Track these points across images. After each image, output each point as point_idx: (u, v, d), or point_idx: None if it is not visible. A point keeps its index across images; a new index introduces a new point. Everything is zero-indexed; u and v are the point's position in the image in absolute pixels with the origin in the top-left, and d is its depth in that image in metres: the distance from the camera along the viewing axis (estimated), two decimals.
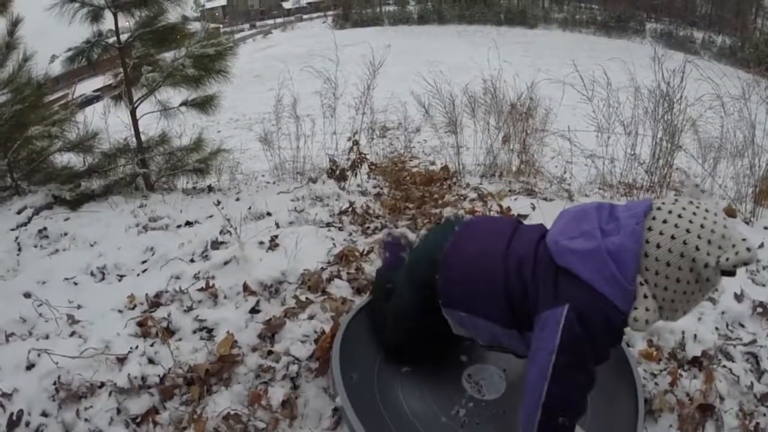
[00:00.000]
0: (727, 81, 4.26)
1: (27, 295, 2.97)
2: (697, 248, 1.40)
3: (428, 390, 1.85)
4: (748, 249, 1.38)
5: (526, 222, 2.37)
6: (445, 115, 5.67)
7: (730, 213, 3.67)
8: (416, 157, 7.66)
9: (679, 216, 1.44)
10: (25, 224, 3.95)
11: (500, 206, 3.78)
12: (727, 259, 1.38)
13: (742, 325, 2.49)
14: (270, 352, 2.15)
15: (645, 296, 1.45)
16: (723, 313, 2.54)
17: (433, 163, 6.59)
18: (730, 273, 1.42)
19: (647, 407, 1.91)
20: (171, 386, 2.03)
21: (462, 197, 4.41)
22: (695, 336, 2.35)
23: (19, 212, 4.14)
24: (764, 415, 2.00)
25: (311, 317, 2.33)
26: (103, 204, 4.32)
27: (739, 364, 2.22)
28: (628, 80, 4.74)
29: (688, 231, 1.41)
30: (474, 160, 5.70)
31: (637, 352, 2.26)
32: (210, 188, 5.30)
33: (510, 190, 4.79)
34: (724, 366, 2.19)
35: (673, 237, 1.42)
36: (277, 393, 1.94)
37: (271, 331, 2.25)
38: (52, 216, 4.08)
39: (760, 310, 2.52)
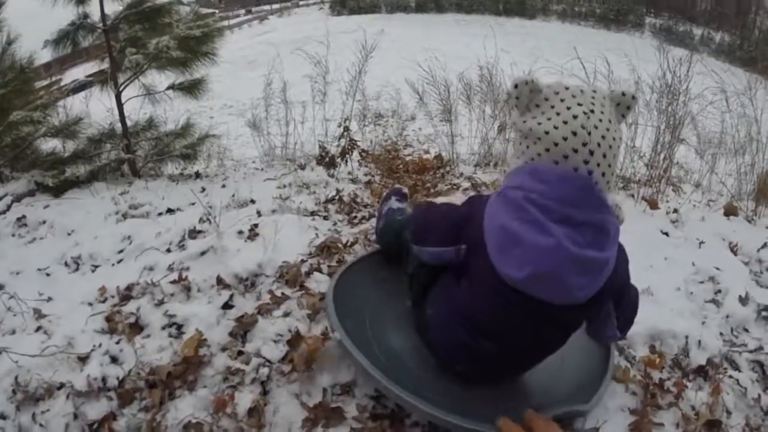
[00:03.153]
0: (731, 76, 4.14)
1: (0, 286, 2.86)
2: None
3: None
4: None
5: None
6: (439, 102, 5.50)
7: (731, 210, 3.55)
8: (410, 145, 7.53)
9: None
10: (4, 212, 3.82)
11: None
12: None
13: (746, 330, 2.37)
14: (240, 353, 1.99)
15: None
16: (727, 316, 2.42)
17: (427, 152, 6.44)
18: None
19: None
20: (132, 389, 1.88)
21: (455, 186, 4.26)
22: (699, 342, 2.21)
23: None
24: None
25: (286, 314, 2.17)
26: (85, 191, 4.18)
27: (746, 373, 2.11)
28: (629, 73, 4.59)
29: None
30: (468, 149, 5.55)
31: (639, 358, 2.13)
32: (197, 174, 5.16)
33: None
34: (731, 376, 2.07)
35: None
36: (245, 399, 1.78)
37: (243, 329, 2.10)
38: (33, 203, 3.94)
39: (765, 314, 2.41)
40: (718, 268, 2.75)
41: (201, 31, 4.25)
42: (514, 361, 1.67)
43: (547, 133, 1.39)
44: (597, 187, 1.38)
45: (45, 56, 4.71)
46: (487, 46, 5.57)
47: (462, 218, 1.61)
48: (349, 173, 4.81)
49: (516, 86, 1.45)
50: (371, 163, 5.34)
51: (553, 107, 1.42)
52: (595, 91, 1.48)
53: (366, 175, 4.90)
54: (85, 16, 4.26)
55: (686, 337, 2.22)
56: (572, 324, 1.60)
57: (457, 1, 33.41)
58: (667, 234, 3.18)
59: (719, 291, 2.59)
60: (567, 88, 1.46)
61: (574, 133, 1.37)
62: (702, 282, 2.67)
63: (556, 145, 1.38)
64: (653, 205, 3.56)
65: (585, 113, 1.38)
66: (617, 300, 1.65)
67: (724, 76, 4.20)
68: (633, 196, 3.76)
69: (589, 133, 1.36)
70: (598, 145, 1.37)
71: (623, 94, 1.52)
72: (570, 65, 4.42)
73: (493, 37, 5.87)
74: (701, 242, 3.07)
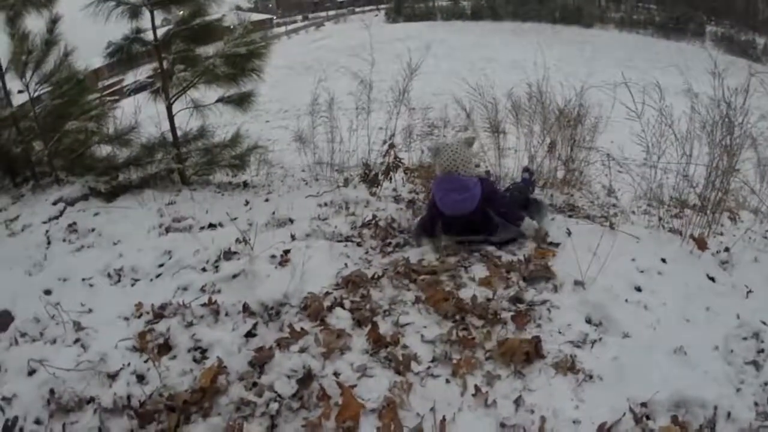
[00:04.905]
0: None
1: (47, 292, 3.06)
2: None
3: None
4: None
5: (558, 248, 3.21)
6: (486, 120, 5.42)
7: None
8: None
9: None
10: (57, 217, 4.06)
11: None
12: None
13: None
14: (255, 384, 2.05)
15: None
16: (766, 384, 2.17)
17: (477, 165, 6.37)
18: None
19: None
20: (152, 410, 1.97)
21: None
22: (729, 414, 1.99)
23: (54, 203, 4.26)
24: None
25: (303, 350, 2.21)
26: (135, 199, 4.37)
27: None
28: (685, 90, 4.36)
29: None
30: (516, 165, 5.44)
31: (658, 428, 1.95)
32: (245, 184, 5.30)
33: (551, 204, 4.54)
34: None
35: None
36: (254, 430, 1.84)
37: (261, 361, 2.16)
38: (84, 209, 4.17)
39: None
40: (765, 323, 2.50)
41: (247, 49, 4.36)
42: (470, 232, 3.32)
43: (442, 163, 3.32)
44: (459, 175, 3.27)
45: (94, 62, 5.00)
46: (541, 56, 5.43)
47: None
48: (394, 190, 4.82)
49: (430, 149, 3.62)
50: (417, 178, 5.33)
51: (442, 153, 3.33)
52: (457, 142, 3.41)
53: (410, 192, 4.87)
54: (138, 30, 4.48)
55: (715, 407, 2.01)
56: (474, 221, 3.30)
57: (512, 10, 32.91)
58: (713, 279, 2.92)
59: (762, 350, 2.35)
60: (446, 144, 3.39)
61: (449, 162, 3.29)
62: (745, 338, 2.41)
63: (444, 166, 3.31)
64: (701, 245, 3.25)
65: (451, 153, 3.30)
66: (490, 204, 3.31)
67: None
68: (681, 233, 3.48)
69: (454, 161, 3.28)
70: (457, 164, 3.28)
71: (467, 139, 3.53)
72: (622, 89, 4.25)
73: (546, 48, 5.69)
74: (749, 291, 2.79)
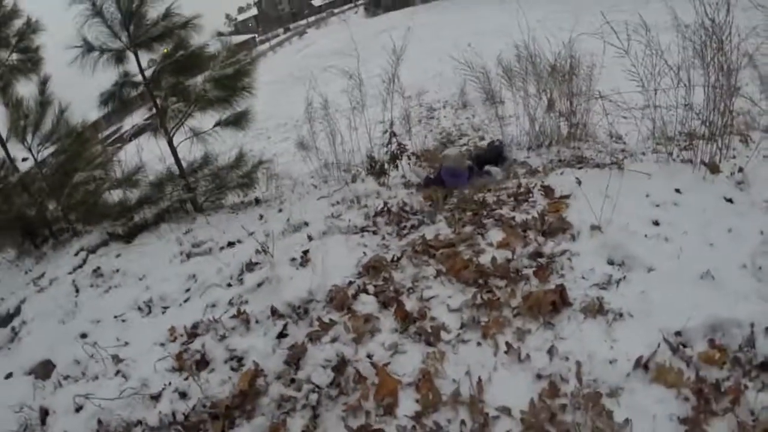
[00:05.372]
0: None
1: (83, 335, 3.16)
2: None
3: None
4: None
5: (570, 199, 3.17)
6: (480, 90, 5.41)
7: None
8: (465, 134, 7.42)
9: None
10: (81, 265, 4.18)
11: (543, 187, 3.50)
12: None
13: None
14: (293, 381, 2.10)
15: None
16: None
17: (482, 138, 6.35)
18: None
19: None
20: (197, 422, 2.04)
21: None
22: (767, 329, 1.93)
23: (76, 254, 4.38)
24: None
25: (334, 340, 2.25)
26: (152, 234, 4.47)
27: None
28: (675, 25, 4.27)
29: None
30: (520, 129, 5.41)
31: (696, 355, 1.92)
32: (257, 201, 5.36)
33: (559, 161, 4.51)
34: None
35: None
36: (296, 424, 1.89)
37: (295, 358, 2.20)
38: (106, 253, 4.28)
39: None
40: None
41: (234, 69, 4.42)
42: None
43: (447, 163, 4.48)
44: (456, 168, 4.43)
45: (101, 113, 5.12)
46: (524, 20, 5.37)
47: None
48: (402, 177, 4.84)
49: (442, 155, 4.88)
50: (424, 162, 5.33)
51: (447, 158, 4.53)
52: (455, 151, 4.79)
53: (419, 176, 4.89)
54: (126, 74, 4.56)
55: (752, 324, 1.95)
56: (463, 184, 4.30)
57: None
58: (731, 201, 2.86)
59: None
60: (449, 153, 4.65)
61: (452, 162, 4.47)
62: None
63: (449, 164, 4.48)
64: (714, 169, 3.22)
65: (452, 158, 4.50)
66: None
67: None
68: (691, 161, 3.44)
69: (454, 161, 4.47)
70: (456, 163, 4.45)
71: (460, 150, 5.35)
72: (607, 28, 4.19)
73: (529, 9, 5.62)
74: None
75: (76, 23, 4.35)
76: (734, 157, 3.53)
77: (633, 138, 4.48)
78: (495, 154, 5.10)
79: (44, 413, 2.48)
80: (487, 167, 4.66)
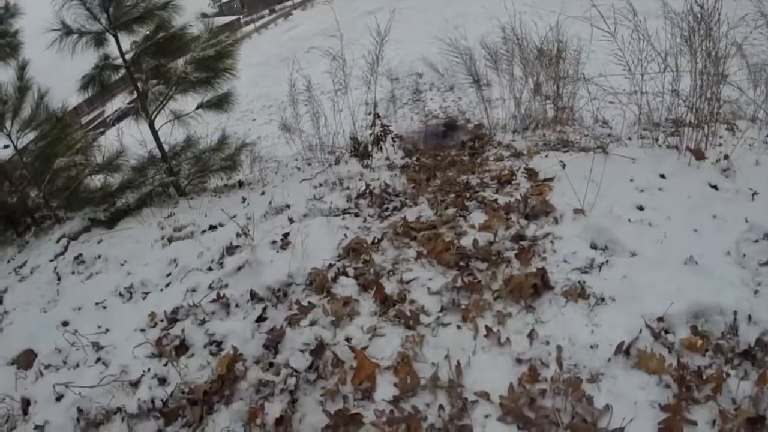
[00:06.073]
0: None
1: (65, 323, 3.11)
2: None
3: None
4: None
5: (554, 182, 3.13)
6: (466, 73, 5.36)
7: None
8: (450, 117, 7.42)
9: None
10: (62, 253, 4.11)
11: (527, 170, 3.49)
12: None
13: None
14: (271, 365, 2.08)
15: None
16: None
17: (469, 121, 6.35)
18: None
19: None
20: (176, 408, 2.02)
21: (494, 158, 4.17)
22: (750, 317, 1.94)
23: (57, 241, 4.31)
24: None
25: (313, 323, 2.23)
26: (135, 219, 4.40)
27: None
28: (661, 6, 4.25)
29: None
30: (506, 112, 5.39)
31: (678, 341, 1.92)
32: (240, 183, 5.30)
33: (545, 144, 4.49)
34: None
35: None
36: (275, 409, 1.87)
37: (274, 341, 2.18)
38: (88, 240, 4.21)
39: None
40: None
41: (215, 50, 4.32)
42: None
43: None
44: (436, 129, 6.07)
45: (82, 97, 5.00)
46: (512, 3, 5.32)
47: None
48: (387, 158, 4.80)
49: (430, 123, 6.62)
50: (408, 144, 5.30)
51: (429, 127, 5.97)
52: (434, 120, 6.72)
53: (403, 158, 4.84)
54: (106, 57, 4.45)
55: (735, 312, 1.96)
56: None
57: None
58: (715, 187, 2.86)
59: None
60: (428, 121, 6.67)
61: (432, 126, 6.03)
62: (756, 241, 2.35)
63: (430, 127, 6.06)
64: (699, 155, 3.22)
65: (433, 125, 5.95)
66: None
67: None
68: (677, 147, 3.43)
69: (435, 126, 6.16)
70: (435, 128, 6.14)
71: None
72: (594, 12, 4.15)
73: None
74: (755, 193, 2.72)
75: (54, 6, 4.19)
76: (720, 144, 3.55)
77: (619, 123, 4.46)
78: (452, 124, 6.61)
79: (26, 403, 2.44)
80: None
